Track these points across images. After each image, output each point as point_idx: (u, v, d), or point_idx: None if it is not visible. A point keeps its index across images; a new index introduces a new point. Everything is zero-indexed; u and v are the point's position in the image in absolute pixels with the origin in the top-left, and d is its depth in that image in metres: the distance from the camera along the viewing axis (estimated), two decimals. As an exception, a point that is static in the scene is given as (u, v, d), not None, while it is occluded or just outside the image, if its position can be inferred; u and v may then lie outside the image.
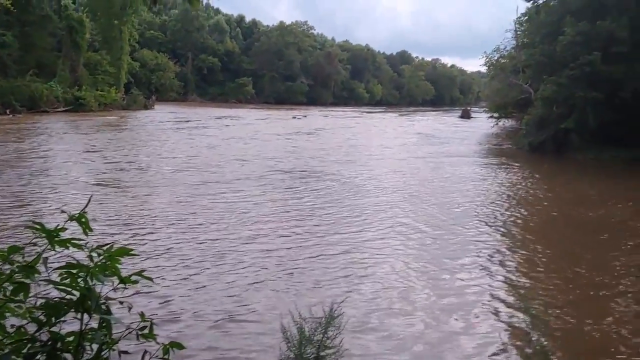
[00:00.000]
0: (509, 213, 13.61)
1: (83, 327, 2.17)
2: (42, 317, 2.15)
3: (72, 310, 2.19)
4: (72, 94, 47.74)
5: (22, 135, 27.03)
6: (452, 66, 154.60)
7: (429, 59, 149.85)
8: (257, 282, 7.87)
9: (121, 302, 2.43)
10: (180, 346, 2.36)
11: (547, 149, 27.19)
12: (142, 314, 2.36)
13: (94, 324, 2.21)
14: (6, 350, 2.06)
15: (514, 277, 8.69)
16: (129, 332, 2.27)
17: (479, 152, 28.57)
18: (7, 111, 39.86)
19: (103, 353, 2.19)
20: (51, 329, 2.14)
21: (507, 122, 43.19)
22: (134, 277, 2.39)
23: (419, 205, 13.86)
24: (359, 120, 57.00)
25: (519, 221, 12.93)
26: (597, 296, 7.99)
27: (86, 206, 2.60)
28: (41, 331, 2.12)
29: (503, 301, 7.59)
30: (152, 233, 10.21)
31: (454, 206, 14.03)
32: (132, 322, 2.30)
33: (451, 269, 8.88)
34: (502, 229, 11.88)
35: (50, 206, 12.03)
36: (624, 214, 13.91)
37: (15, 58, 46.75)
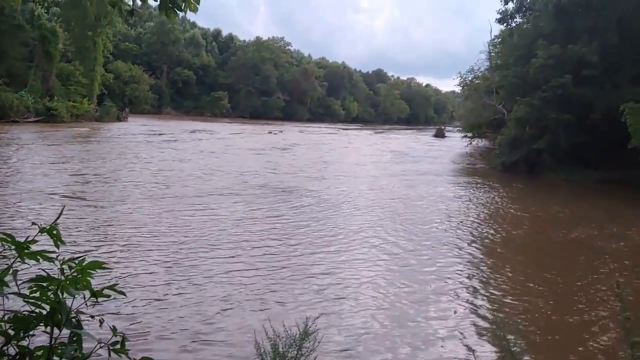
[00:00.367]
0: (482, 233, 13.77)
1: (53, 341, 2.11)
2: (10, 331, 2.08)
3: (42, 324, 2.13)
4: (43, 104, 46.90)
5: (-10, 145, 26.41)
6: (427, 85, 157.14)
7: (404, 77, 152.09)
8: (227, 301, 7.67)
9: (92, 317, 2.37)
10: (152, 362, 2.31)
11: (520, 169, 27.68)
12: (113, 329, 2.30)
13: (64, 339, 2.16)
14: (-29, 365, 2.00)
15: (491, 297, 8.75)
16: (100, 347, 2.21)
17: (453, 171, 28.91)
18: (-25, 120, 38.99)
19: (73, 368, 2.14)
20: (19, 343, 2.08)
21: (481, 142, 43.88)
22: (106, 291, 2.34)
23: (394, 224, 13.90)
24: (334, 136, 57.25)
25: (492, 241, 13.07)
26: (567, 315, 8.09)
27: (58, 218, 2.55)
28: (9, 345, 2.05)
29: (482, 317, 7.66)
30: (119, 249, 9.94)
31: (427, 224, 14.13)
32: (104, 337, 2.24)
33: (423, 287, 8.92)
34: (477, 250, 11.98)
35: (17, 218, 11.69)
36: (593, 235, 14.18)
37: (-15, 67, 45.91)
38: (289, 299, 7.90)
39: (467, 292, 8.82)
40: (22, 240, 2.30)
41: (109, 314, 6.60)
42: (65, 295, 2.19)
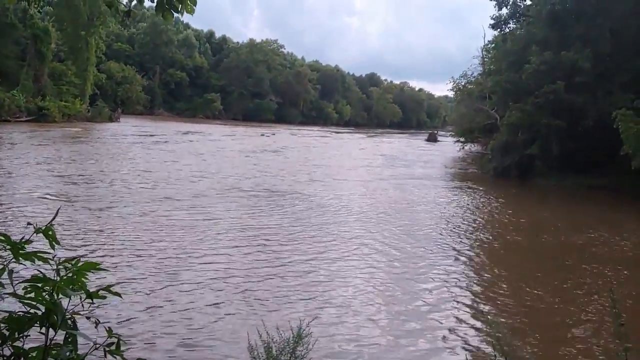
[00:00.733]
0: (473, 237, 13.82)
1: (48, 342, 2.10)
2: (5, 332, 2.07)
3: (37, 324, 2.12)
4: (35, 103, 46.64)
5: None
6: (420, 90, 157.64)
7: (397, 81, 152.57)
8: (219, 307, 7.58)
9: (88, 318, 2.36)
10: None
11: (512, 174, 27.81)
12: (109, 330, 2.30)
13: (60, 339, 2.14)
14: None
15: (478, 301, 8.78)
16: (96, 349, 2.20)
17: (445, 176, 29.01)
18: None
19: (68, 370, 2.12)
20: (14, 344, 2.07)
21: (473, 147, 44.04)
22: (102, 292, 2.33)
23: (385, 227, 13.92)
24: (327, 140, 57.30)
25: (483, 245, 13.12)
26: (558, 320, 8.14)
27: (53, 219, 2.54)
28: (4, 346, 2.04)
29: (469, 325, 7.66)
30: (108, 253, 9.79)
31: (420, 229, 14.16)
32: (99, 339, 2.23)
33: (416, 293, 8.93)
34: (466, 253, 12.01)
35: (9, 219, 11.58)
36: (585, 240, 14.26)
37: (-23, 65, 45.63)
38: (282, 305, 7.86)
39: (462, 298, 8.84)
40: (18, 240, 2.29)
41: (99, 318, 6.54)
42: (60, 296, 2.18)
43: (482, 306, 8.53)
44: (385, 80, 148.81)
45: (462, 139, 43.67)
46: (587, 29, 26.77)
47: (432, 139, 68.50)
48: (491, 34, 43.00)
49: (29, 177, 17.59)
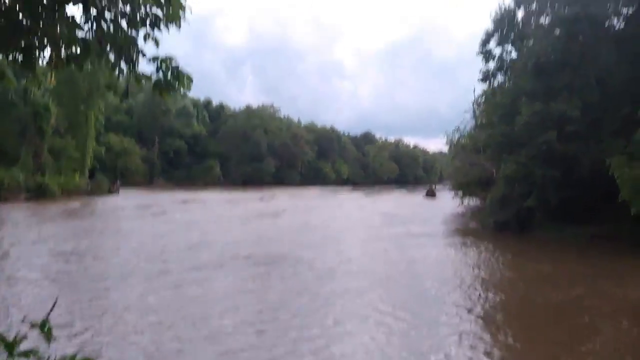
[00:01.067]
0: (478, 296, 13.62)
1: None
2: None
3: None
4: (34, 180, 46.99)
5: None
6: (415, 146, 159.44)
7: (392, 139, 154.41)
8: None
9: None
10: None
11: (512, 227, 27.68)
12: None
13: None
14: None
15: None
16: None
17: (446, 233, 28.90)
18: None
19: None
20: None
21: (472, 201, 43.98)
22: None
23: (390, 291, 13.75)
24: (326, 200, 57.48)
25: (489, 304, 12.93)
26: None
27: (50, 312, 2.55)
28: None
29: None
30: (101, 344, 9.23)
31: (425, 290, 13.97)
32: None
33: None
34: (474, 314, 11.76)
35: (1, 310, 11.10)
36: (587, 293, 14.10)
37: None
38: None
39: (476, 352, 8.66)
40: (12, 337, 2.29)
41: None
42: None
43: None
44: (380, 138, 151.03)
45: (460, 193, 43.66)
46: (573, 79, 27.26)
47: (430, 193, 68.52)
48: (481, 87, 43.79)
49: (25, 258, 17.36)
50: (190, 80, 4.47)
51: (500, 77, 37.56)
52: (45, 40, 3.75)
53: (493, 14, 34.52)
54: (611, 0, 26.63)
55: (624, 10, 27.42)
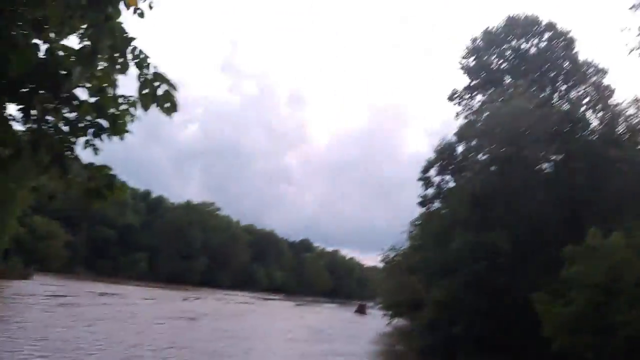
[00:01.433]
0: None
1: None
2: None
3: None
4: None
5: None
6: (351, 259, 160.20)
7: (330, 249, 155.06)
8: None
9: None
10: None
11: (439, 353, 27.39)
12: None
13: None
14: None
15: None
16: None
17: (371, 354, 28.24)
18: None
19: None
20: None
21: (401, 322, 43.69)
22: None
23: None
24: (253, 307, 55.75)
25: None
26: None
27: None
28: None
29: None
30: None
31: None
32: None
33: None
34: None
35: None
36: None
37: None
38: None
39: None
40: None
41: None
42: None
43: None
44: (318, 247, 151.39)
45: (390, 313, 43.39)
46: (506, 213, 28.51)
47: (361, 310, 67.99)
48: (419, 210, 45.04)
49: None
50: (125, 188, 4.35)
51: (437, 204, 38.91)
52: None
53: (435, 145, 36.39)
54: (543, 146, 28.60)
55: (554, 157, 29.55)
